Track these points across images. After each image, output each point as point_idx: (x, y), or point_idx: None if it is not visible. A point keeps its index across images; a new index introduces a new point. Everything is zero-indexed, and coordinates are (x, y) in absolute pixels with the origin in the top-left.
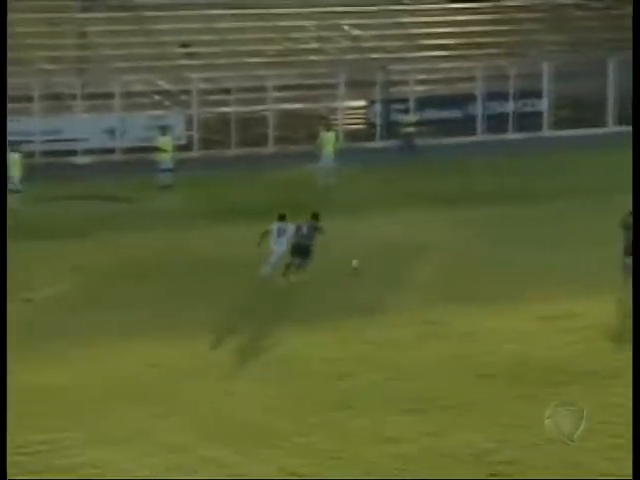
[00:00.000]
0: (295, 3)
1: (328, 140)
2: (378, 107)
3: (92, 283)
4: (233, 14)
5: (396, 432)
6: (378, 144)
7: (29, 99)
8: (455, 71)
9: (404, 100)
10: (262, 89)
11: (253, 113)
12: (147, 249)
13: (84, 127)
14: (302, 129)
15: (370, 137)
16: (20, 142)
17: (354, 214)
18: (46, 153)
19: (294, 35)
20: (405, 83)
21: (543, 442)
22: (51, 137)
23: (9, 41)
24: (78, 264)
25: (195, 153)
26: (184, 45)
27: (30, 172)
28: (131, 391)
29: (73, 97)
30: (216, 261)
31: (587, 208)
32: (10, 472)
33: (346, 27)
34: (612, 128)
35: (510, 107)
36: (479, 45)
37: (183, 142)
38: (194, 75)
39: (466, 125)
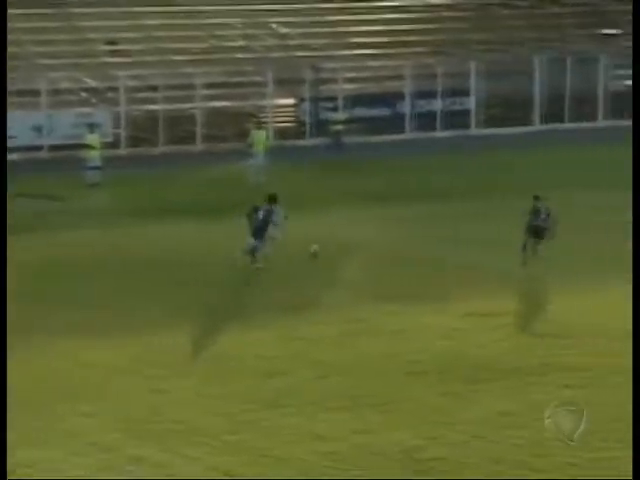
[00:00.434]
0: (222, 1)
1: (258, 138)
2: (307, 105)
3: (26, 281)
4: (160, 11)
5: (326, 430)
6: (307, 142)
7: None
8: (384, 69)
9: (333, 98)
10: (190, 87)
11: (181, 111)
12: (80, 247)
13: (11, 125)
14: (231, 127)
15: (299, 135)
16: None
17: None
18: None
19: (222, 33)
20: (334, 81)
21: (471, 439)
22: None
23: None
24: (10, 262)
25: (122, 151)
26: (111, 42)
27: None
28: (63, 390)
29: None
30: (151, 259)
31: (515, 206)
32: None
33: (274, 25)
34: (538, 126)
35: (438, 105)
36: (407, 44)
37: (110, 140)
38: (121, 73)
39: (395, 123)
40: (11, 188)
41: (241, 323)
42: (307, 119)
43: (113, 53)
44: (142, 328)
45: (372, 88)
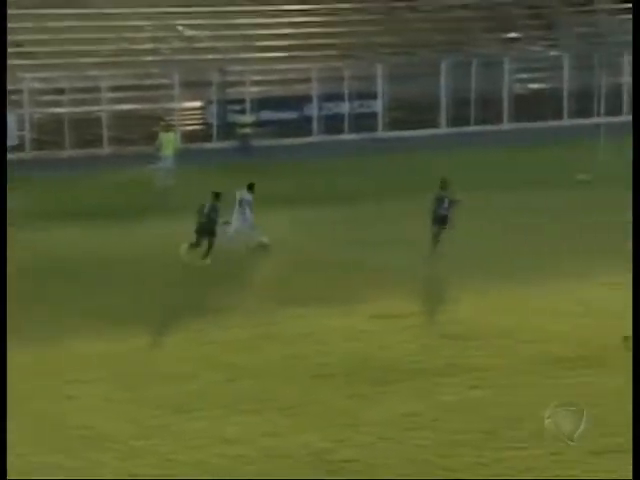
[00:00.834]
0: (129, 3)
1: (166, 141)
2: (215, 108)
3: None
4: (67, 14)
5: (235, 433)
6: (215, 145)
7: None
8: (291, 72)
9: (241, 101)
10: (97, 89)
11: (88, 113)
12: None
13: None
14: (139, 130)
15: (207, 138)
16: None
17: (191, 215)
18: None
19: (129, 35)
20: (242, 84)
21: (378, 440)
22: None
23: None
24: None
25: (27, 154)
26: (16, 44)
27: None
28: None
29: None
30: (65, 261)
31: (422, 207)
32: None
33: (181, 28)
34: (445, 129)
35: (346, 108)
36: (314, 47)
37: (15, 143)
38: (26, 75)
39: (302, 126)
40: None
41: (155, 327)
42: (215, 122)
43: (18, 55)
44: (53, 332)
45: (280, 91)
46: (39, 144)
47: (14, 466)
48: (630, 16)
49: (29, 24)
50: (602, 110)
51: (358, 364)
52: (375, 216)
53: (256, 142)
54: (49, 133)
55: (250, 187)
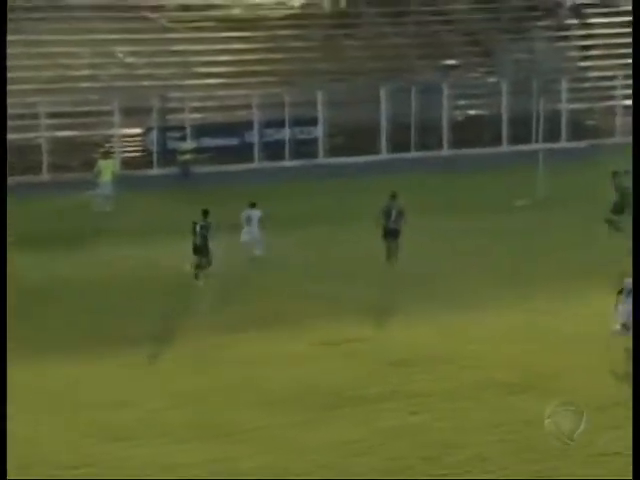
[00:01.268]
0: (67, 30)
1: (106, 168)
2: (155, 134)
3: None
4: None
5: (175, 460)
6: (155, 171)
7: None
8: (231, 99)
9: (181, 128)
10: (36, 116)
11: (27, 140)
12: None
13: None
14: (78, 156)
15: (147, 165)
16: None
17: (131, 241)
18: None
19: (67, 62)
20: (182, 111)
21: (318, 468)
22: None
23: None
24: None
25: None
26: None
27: None
28: None
29: None
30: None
31: (361, 232)
32: None
33: (120, 54)
34: (385, 155)
35: (286, 134)
36: (254, 73)
37: None
38: None
39: (243, 152)
40: None
41: (96, 353)
42: (155, 148)
43: None
44: None
45: (220, 117)
46: None
47: None
48: (567, 43)
49: None
50: (540, 136)
51: (303, 390)
52: (316, 241)
53: (197, 169)
54: None
55: (253, 205)
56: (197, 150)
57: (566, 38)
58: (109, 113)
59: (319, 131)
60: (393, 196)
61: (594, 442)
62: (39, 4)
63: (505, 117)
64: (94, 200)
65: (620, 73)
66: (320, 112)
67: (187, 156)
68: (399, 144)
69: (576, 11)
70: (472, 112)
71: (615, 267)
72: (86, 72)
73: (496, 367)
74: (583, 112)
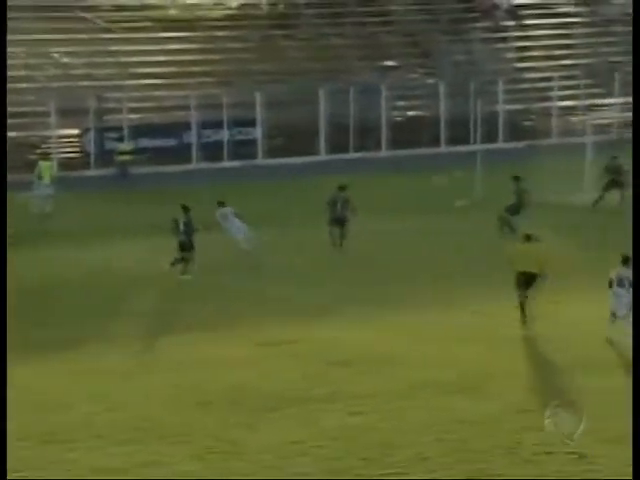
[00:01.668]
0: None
1: (44, 169)
2: (92, 135)
3: None
4: None
5: (108, 463)
6: (93, 172)
7: None
8: (169, 99)
9: (119, 128)
10: None
11: None
12: None
13: None
14: (15, 158)
15: (85, 165)
16: None
17: (71, 243)
18: None
19: None
20: (119, 111)
21: (259, 469)
22: None
23: None
24: None
25: None
26: None
27: None
28: None
29: None
30: None
31: (299, 235)
32: None
33: (56, 55)
34: (324, 156)
35: (225, 135)
36: (192, 74)
37: None
38: None
39: (182, 153)
40: None
41: (34, 355)
42: (92, 149)
43: None
44: None
45: (158, 118)
46: None
47: None
48: (504, 45)
49: None
50: (478, 137)
51: (241, 392)
52: (264, 242)
53: (135, 170)
54: None
55: (222, 203)
56: (135, 151)
57: (503, 40)
58: (46, 114)
59: (258, 132)
60: (341, 188)
61: (523, 443)
62: None
63: (443, 118)
64: (32, 201)
65: (556, 74)
66: (258, 113)
67: (125, 157)
68: (338, 145)
69: (513, 13)
70: (411, 113)
71: None
72: (22, 73)
73: (437, 367)
74: (520, 113)
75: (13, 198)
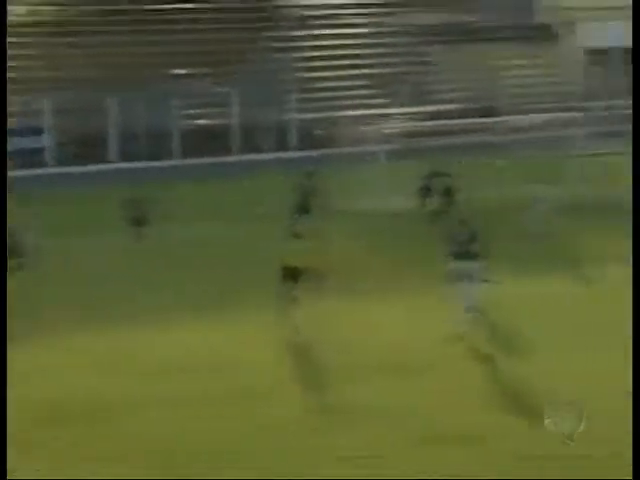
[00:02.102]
0: None
1: None
2: None
3: None
4: None
5: None
6: None
7: None
8: None
9: None
10: None
11: None
12: None
13: None
14: None
15: None
16: None
17: None
18: None
19: None
20: None
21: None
22: None
23: None
24: None
25: None
26: None
27: None
28: None
29: None
30: None
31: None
32: None
33: None
34: (115, 164)
35: (14, 143)
36: None
37: None
38: None
39: None
40: None
41: None
42: None
43: None
44: None
45: None
46: None
47: None
48: (295, 54)
49: None
50: (271, 145)
51: (57, 401)
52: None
53: None
54: None
55: None
56: None
57: (295, 49)
58: None
59: (46, 140)
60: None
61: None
62: None
63: (236, 126)
64: None
65: (346, 84)
66: (47, 121)
67: None
68: (129, 153)
69: (304, 23)
70: (203, 121)
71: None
72: None
73: (243, 374)
74: (312, 122)
75: None
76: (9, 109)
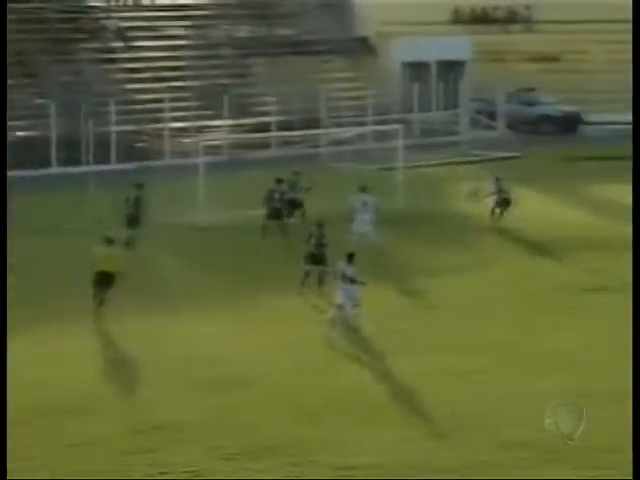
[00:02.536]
0: None
1: None
2: None
3: None
4: None
5: None
6: None
7: None
8: None
9: None
10: None
11: None
12: None
13: None
14: None
15: None
16: None
17: None
18: None
19: None
20: None
21: None
22: None
23: None
24: None
25: None
26: None
27: None
28: None
29: None
30: None
31: None
32: None
33: None
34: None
35: None
36: None
37: None
38: None
39: None
40: None
41: None
42: None
43: None
44: None
45: None
46: None
47: None
48: (113, 66)
49: None
50: (91, 158)
51: None
52: None
53: None
54: None
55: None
56: None
57: (113, 61)
58: None
59: None
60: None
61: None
62: None
63: (54, 139)
64: None
65: (167, 96)
66: None
67: None
68: (39, 161)
69: (121, 34)
70: (21, 133)
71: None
72: None
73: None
74: (133, 134)
75: None
76: None
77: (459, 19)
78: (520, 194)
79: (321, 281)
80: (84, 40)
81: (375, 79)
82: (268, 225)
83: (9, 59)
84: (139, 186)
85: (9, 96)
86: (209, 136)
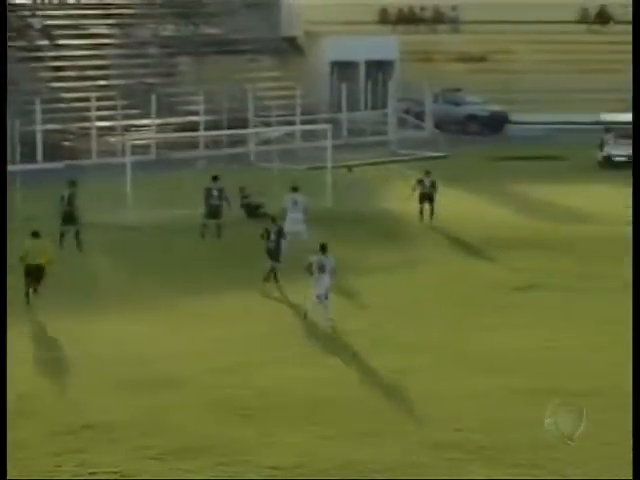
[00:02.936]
0: None
1: None
2: None
3: None
4: None
5: None
6: None
7: None
8: None
9: None
10: None
11: None
12: None
13: None
14: None
15: None
16: None
17: None
18: None
19: None
20: None
21: None
22: None
23: None
24: None
25: None
26: None
27: None
28: None
29: None
30: None
31: None
32: None
33: None
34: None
35: None
36: None
37: None
38: None
39: None
40: None
41: None
42: None
43: None
44: None
45: None
46: None
47: None
48: (38, 64)
49: None
50: (17, 157)
51: None
52: None
53: None
54: None
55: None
56: None
57: (38, 59)
58: None
59: None
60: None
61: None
62: None
63: None
64: None
65: (93, 95)
66: None
67: None
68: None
69: (46, 33)
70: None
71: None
72: None
73: None
74: (58, 133)
75: None
76: None
77: (387, 19)
78: (448, 194)
79: (275, 276)
80: (9, 38)
81: (303, 78)
82: (207, 224)
83: None
84: (72, 183)
85: None
86: (136, 135)
